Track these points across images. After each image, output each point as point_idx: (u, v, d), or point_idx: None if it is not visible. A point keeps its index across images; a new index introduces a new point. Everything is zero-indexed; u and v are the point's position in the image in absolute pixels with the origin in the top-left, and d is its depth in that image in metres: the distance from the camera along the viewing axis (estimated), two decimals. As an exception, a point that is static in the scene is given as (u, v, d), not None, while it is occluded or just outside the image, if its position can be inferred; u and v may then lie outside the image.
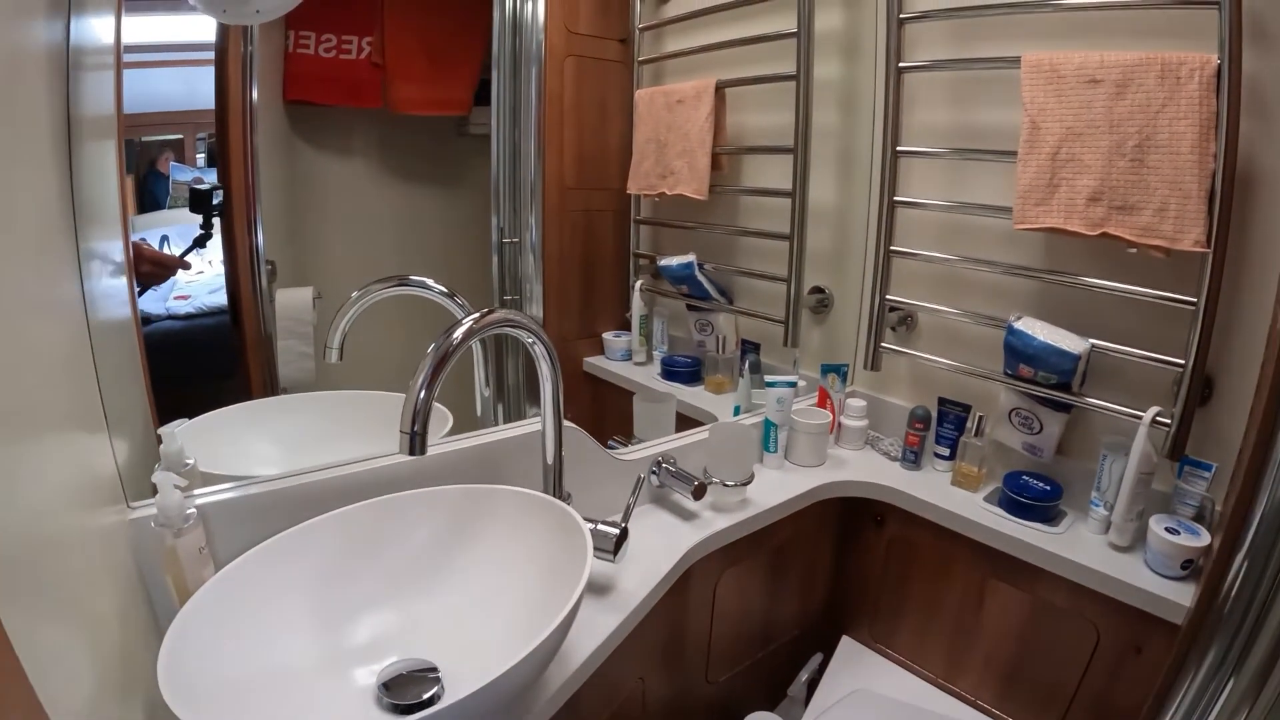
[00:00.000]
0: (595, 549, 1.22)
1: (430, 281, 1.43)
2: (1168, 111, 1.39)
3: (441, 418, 1.45)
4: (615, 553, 1.34)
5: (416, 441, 1.02)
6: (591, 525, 1.31)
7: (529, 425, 1.48)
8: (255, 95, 1.26)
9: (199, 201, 1.22)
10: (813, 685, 1.90)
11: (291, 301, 1.35)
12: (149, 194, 1.17)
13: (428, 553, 1.24)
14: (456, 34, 1.53)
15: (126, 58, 1.08)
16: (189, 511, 1.07)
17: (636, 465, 1.67)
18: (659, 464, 1.68)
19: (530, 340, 1.23)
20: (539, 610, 1.06)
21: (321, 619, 1.11)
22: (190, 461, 1.16)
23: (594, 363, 2.04)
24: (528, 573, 1.20)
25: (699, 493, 1.61)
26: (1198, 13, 1.39)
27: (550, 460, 1.37)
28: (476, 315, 1.10)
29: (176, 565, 1.03)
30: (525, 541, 1.23)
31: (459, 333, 1.06)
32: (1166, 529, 1.48)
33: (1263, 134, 1.38)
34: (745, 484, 1.69)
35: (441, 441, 1.40)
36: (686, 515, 1.66)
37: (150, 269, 1.18)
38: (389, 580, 1.20)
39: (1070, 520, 1.70)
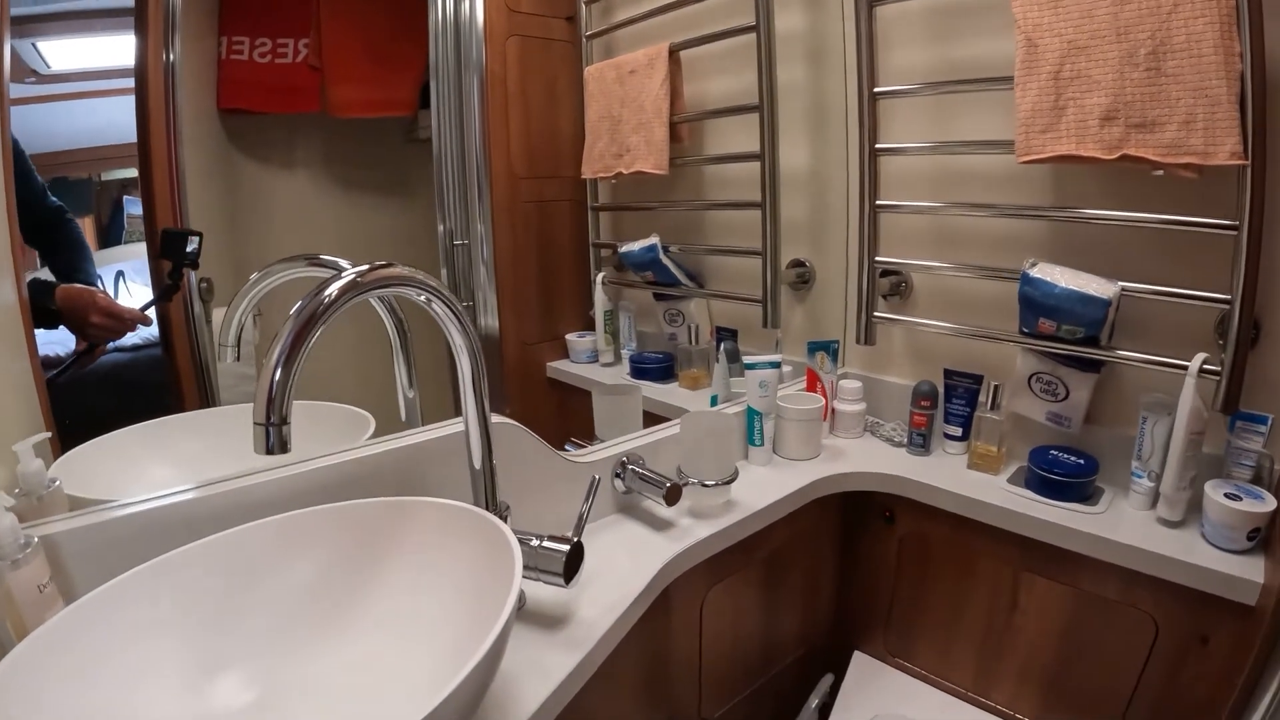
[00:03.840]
0: (542, 572, 1.15)
1: (343, 262, 1.31)
2: (1182, 10, 1.30)
3: (361, 423, 1.37)
4: (567, 575, 1.18)
5: (274, 436, 0.85)
6: (535, 541, 1.18)
7: (456, 425, 1.35)
8: (180, 107, 1.24)
9: (170, 248, 1.21)
10: (825, 711, 1.80)
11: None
12: (108, 229, 1.19)
13: (328, 585, 1.10)
14: (397, 30, 1.53)
15: (53, 89, 1.10)
16: (22, 540, 0.92)
17: (596, 468, 1.54)
18: (624, 465, 1.57)
19: (425, 299, 1.04)
20: (464, 653, 0.91)
21: (184, 673, 0.95)
22: (55, 481, 1.04)
23: (558, 367, 1.97)
24: (452, 606, 1.05)
25: (673, 496, 1.48)
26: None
27: (478, 464, 1.20)
28: (361, 269, 0.93)
29: (10, 604, 0.89)
30: (449, 566, 1.09)
31: (334, 289, 0.89)
32: (1226, 495, 1.39)
33: (1276, 33, 1.30)
34: (728, 482, 1.57)
35: (352, 448, 1.27)
36: (660, 524, 1.54)
37: (102, 321, 1.15)
38: (275, 620, 1.05)
39: (1110, 497, 1.60)
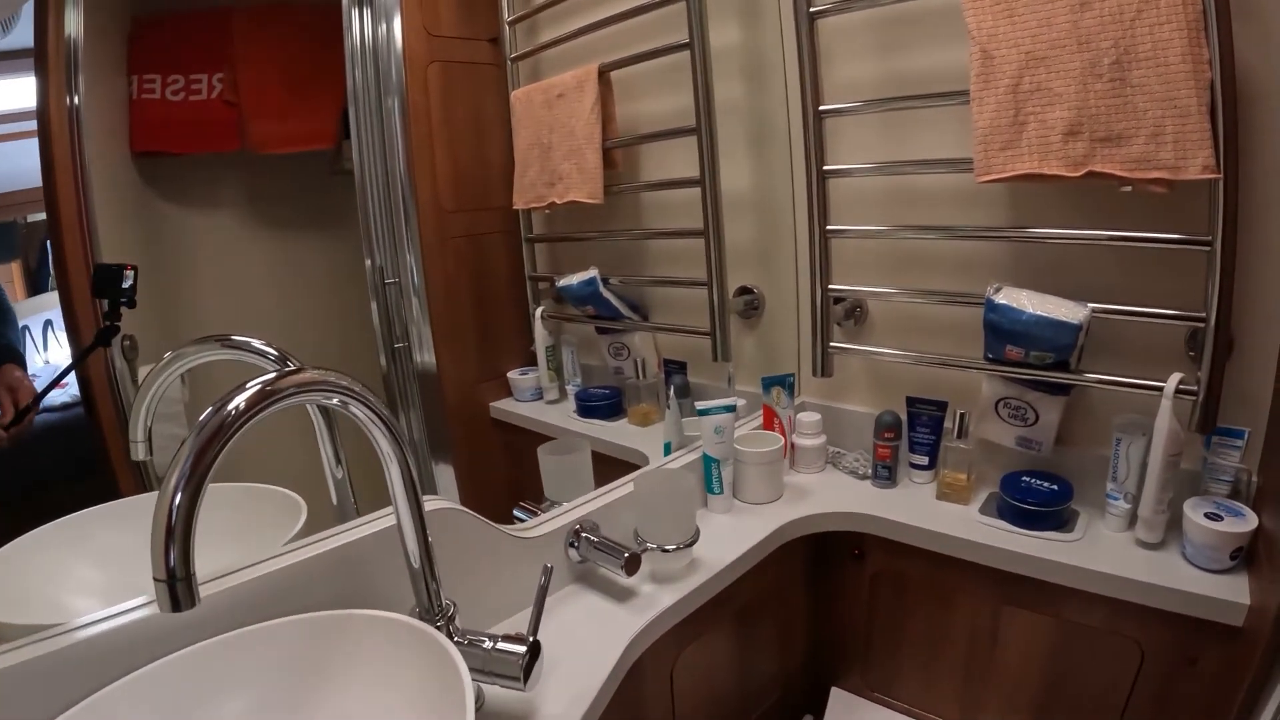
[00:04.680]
0: (498, 676, 1.07)
1: (255, 342, 1.27)
2: (1146, 17, 1.24)
3: (293, 509, 1.27)
4: (525, 679, 1.08)
5: (180, 590, 0.75)
6: (488, 643, 1.09)
7: (390, 516, 1.25)
8: (88, 152, 1.17)
9: (104, 284, 1.15)
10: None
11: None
12: (36, 274, 1.15)
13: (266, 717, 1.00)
14: (314, 59, 1.46)
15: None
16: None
17: (547, 542, 1.44)
18: (577, 534, 1.47)
19: (344, 404, 0.95)
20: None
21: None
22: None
23: (502, 407, 1.89)
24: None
25: (632, 566, 1.39)
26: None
27: (416, 564, 1.10)
28: (265, 380, 0.84)
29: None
30: (394, 688, 1.00)
31: (236, 404, 0.80)
32: (1206, 515, 1.35)
33: (1254, 38, 1.27)
34: (690, 544, 1.48)
35: (280, 554, 1.15)
36: (622, 594, 1.44)
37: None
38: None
39: (1085, 520, 1.55)
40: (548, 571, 1.23)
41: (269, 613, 1.07)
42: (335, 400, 0.93)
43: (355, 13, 1.46)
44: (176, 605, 0.75)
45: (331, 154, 1.48)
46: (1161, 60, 1.24)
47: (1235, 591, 1.29)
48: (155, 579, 0.74)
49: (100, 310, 1.17)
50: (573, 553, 1.47)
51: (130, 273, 1.17)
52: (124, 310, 1.18)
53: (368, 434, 1.00)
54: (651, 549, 1.46)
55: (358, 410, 0.96)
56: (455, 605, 1.15)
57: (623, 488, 1.61)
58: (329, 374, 0.90)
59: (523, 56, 1.87)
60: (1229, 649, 1.29)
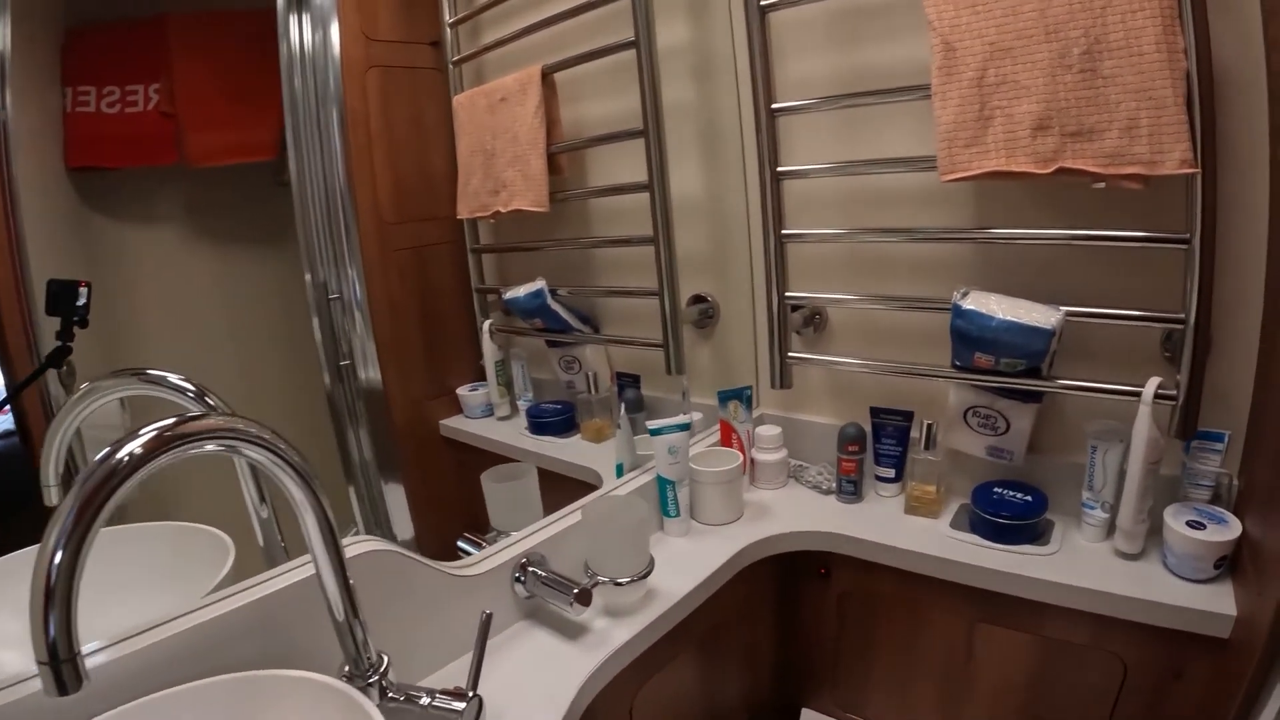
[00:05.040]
0: None
1: (172, 377, 1.20)
2: (1118, 4, 1.18)
3: (221, 550, 1.19)
4: None
5: (65, 674, 0.67)
6: (425, 700, 1.01)
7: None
8: (17, 169, 1.12)
9: (57, 302, 1.11)
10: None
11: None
12: None
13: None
14: (253, 67, 1.42)
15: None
16: None
17: (491, 579, 1.35)
18: (524, 568, 1.37)
19: (249, 451, 0.86)
20: None
21: None
22: None
23: (452, 425, 1.79)
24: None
25: (582, 602, 1.30)
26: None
27: (340, 617, 1.01)
28: (162, 426, 0.75)
29: None
30: None
31: (127, 452, 0.72)
32: (1188, 523, 1.30)
33: (1227, 29, 1.22)
34: (644, 576, 1.39)
35: (200, 607, 1.05)
36: (574, 631, 1.35)
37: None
38: None
39: (1061, 531, 1.50)
40: (486, 619, 1.16)
41: (188, 673, 0.97)
42: (241, 448, 0.85)
43: (292, 19, 1.41)
44: (62, 689, 0.67)
45: (274, 165, 1.43)
46: (1134, 50, 1.18)
47: (1221, 602, 1.25)
48: (37, 660, 0.65)
49: (32, 333, 1.11)
50: (519, 588, 1.38)
51: (84, 289, 1.13)
52: (76, 330, 1.13)
53: (278, 483, 0.92)
54: (603, 582, 1.37)
55: (261, 456, 0.87)
56: (388, 658, 1.06)
57: (571, 516, 1.52)
58: (235, 420, 0.84)
59: (465, 59, 1.78)
60: (1216, 661, 1.25)
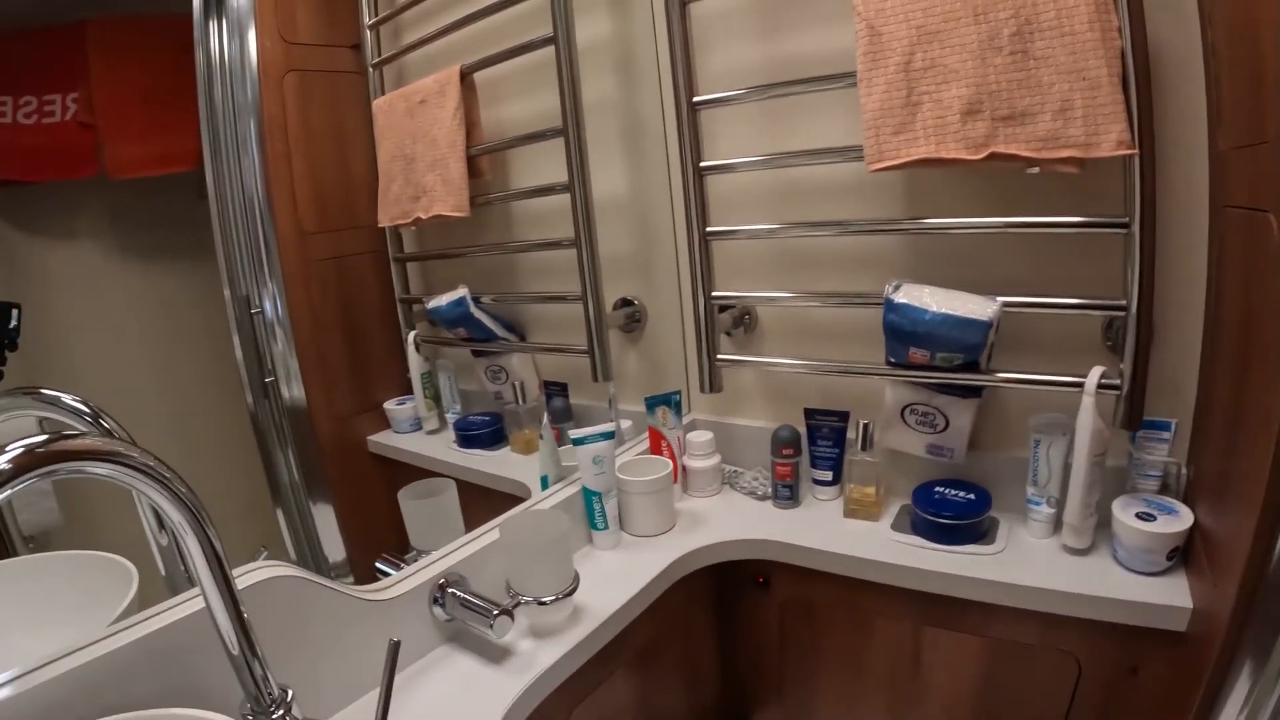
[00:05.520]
0: None
1: (67, 397, 1.15)
2: (1049, -18, 1.14)
3: (123, 578, 1.12)
4: None
5: None
6: None
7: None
8: None
9: None
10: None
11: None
12: None
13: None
14: (174, 75, 1.36)
15: None
16: None
17: (408, 602, 1.27)
18: (442, 589, 1.29)
19: (119, 475, 0.79)
20: None
21: None
22: None
23: (380, 440, 1.72)
24: None
25: (503, 624, 1.23)
26: None
27: (235, 651, 0.93)
28: (27, 445, 0.69)
29: None
30: None
31: None
32: (1138, 515, 1.27)
33: (1162, 5, 1.19)
34: (569, 594, 1.32)
35: (95, 641, 0.97)
36: (497, 654, 1.27)
37: None
38: None
39: (1007, 528, 1.45)
40: (394, 647, 1.08)
41: (84, 711, 0.91)
42: (114, 472, 0.78)
43: (211, 24, 1.36)
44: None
45: (196, 176, 1.37)
46: (1067, 29, 1.13)
47: (1175, 595, 1.22)
48: None
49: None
50: (438, 611, 1.30)
51: (16, 311, 1.10)
52: (12, 349, 1.10)
53: (159, 510, 0.84)
54: (526, 602, 1.30)
55: (135, 480, 0.80)
56: (292, 692, 0.98)
57: (491, 533, 1.45)
58: (114, 443, 0.78)
59: (385, 62, 1.70)
60: (1174, 655, 1.22)
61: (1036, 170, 1.22)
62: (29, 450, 0.68)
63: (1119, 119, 1.12)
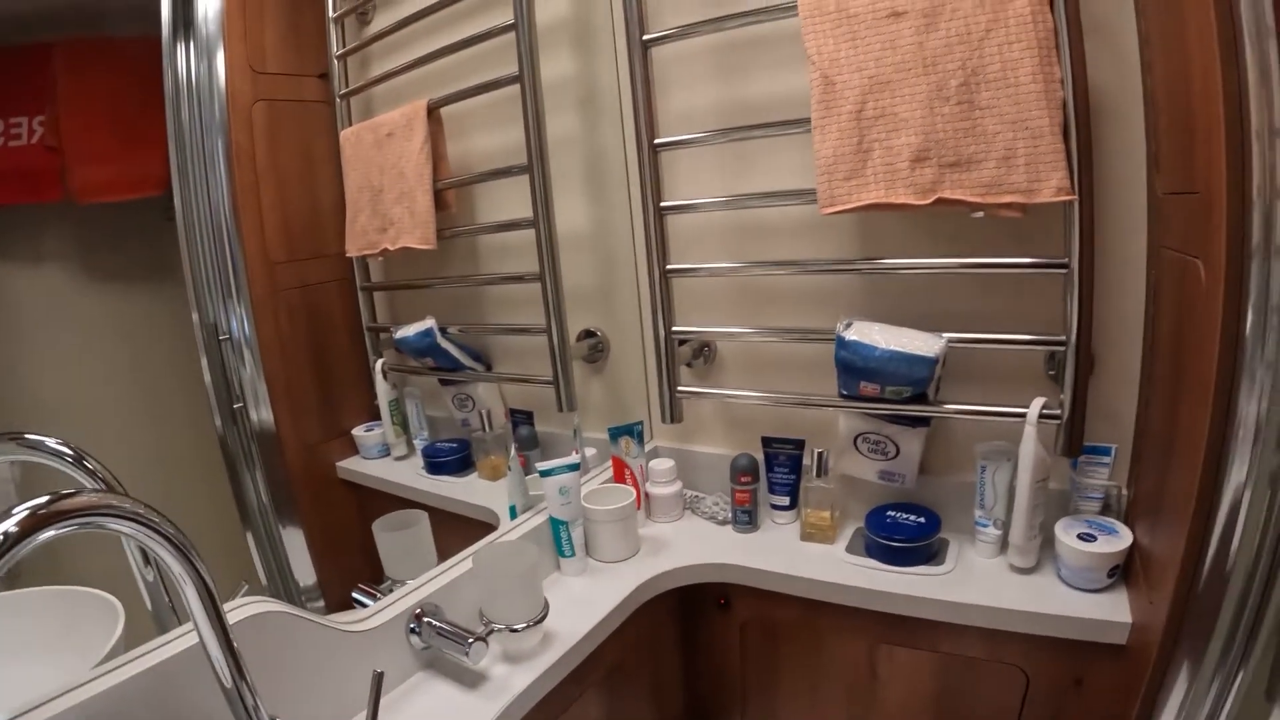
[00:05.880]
0: None
1: (52, 441, 1.09)
2: (995, 36, 1.15)
3: (110, 614, 1.08)
4: None
5: None
6: None
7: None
8: None
9: None
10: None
11: None
12: None
13: None
14: (141, 99, 1.31)
15: None
16: None
17: (385, 632, 1.25)
18: (418, 619, 1.28)
19: (123, 527, 0.79)
20: None
21: None
22: None
23: (349, 467, 1.67)
24: None
25: (478, 651, 1.22)
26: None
27: (228, 684, 0.92)
28: (31, 508, 0.69)
29: None
30: None
31: None
32: (1079, 536, 1.28)
33: (1099, 53, 1.21)
34: (539, 621, 1.31)
35: (84, 683, 0.95)
36: (472, 680, 1.26)
37: None
38: None
39: (956, 549, 1.46)
40: (378, 678, 1.09)
41: None
42: (114, 525, 0.78)
43: (179, 48, 1.31)
44: None
45: (163, 200, 1.31)
46: (1011, 81, 1.14)
47: (1116, 610, 1.23)
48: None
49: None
50: (415, 640, 1.28)
51: None
52: None
53: (155, 558, 0.86)
54: (499, 629, 1.28)
55: (136, 531, 0.80)
56: None
57: (464, 563, 1.43)
58: (109, 496, 0.77)
59: (353, 93, 1.66)
60: (1115, 667, 1.23)
61: (981, 215, 1.23)
62: (33, 514, 0.69)
63: (1059, 167, 1.13)
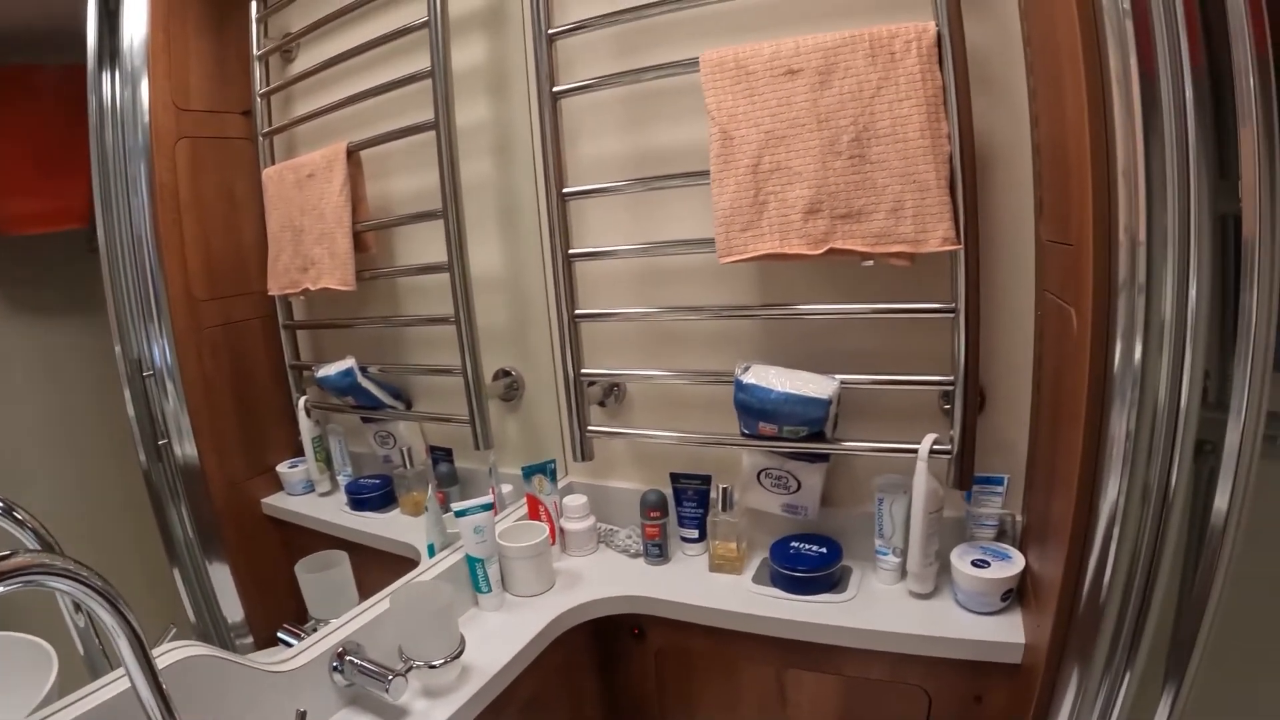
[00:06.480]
0: None
1: None
2: (885, 94, 1.13)
3: (44, 660, 1.02)
4: None
5: None
6: None
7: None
8: None
9: None
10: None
11: None
12: None
13: None
14: (64, 132, 1.23)
15: None
16: None
17: (309, 672, 1.21)
18: (341, 657, 1.23)
19: (57, 584, 0.78)
20: None
21: None
22: None
23: (274, 503, 1.59)
24: None
25: (398, 687, 1.19)
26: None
27: None
28: None
29: None
30: None
31: None
32: (973, 563, 1.27)
33: (991, 107, 1.21)
34: (456, 656, 1.27)
35: None
36: (394, 715, 1.22)
37: None
38: None
39: (859, 576, 1.43)
40: (301, 718, 1.07)
41: None
42: (48, 582, 0.78)
43: (104, 76, 1.25)
44: None
45: (88, 233, 1.25)
46: (900, 136, 1.12)
47: (1010, 632, 1.23)
48: None
49: None
50: (338, 677, 1.23)
51: None
52: None
53: (87, 610, 0.87)
54: (418, 666, 1.24)
55: (69, 587, 0.79)
56: None
57: (384, 602, 1.37)
58: (41, 556, 0.77)
59: (276, 131, 1.58)
60: (1012, 684, 1.23)
61: (871, 263, 1.21)
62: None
63: (945, 218, 1.12)
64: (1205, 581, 0.86)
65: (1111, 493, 0.92)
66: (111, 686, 0.98)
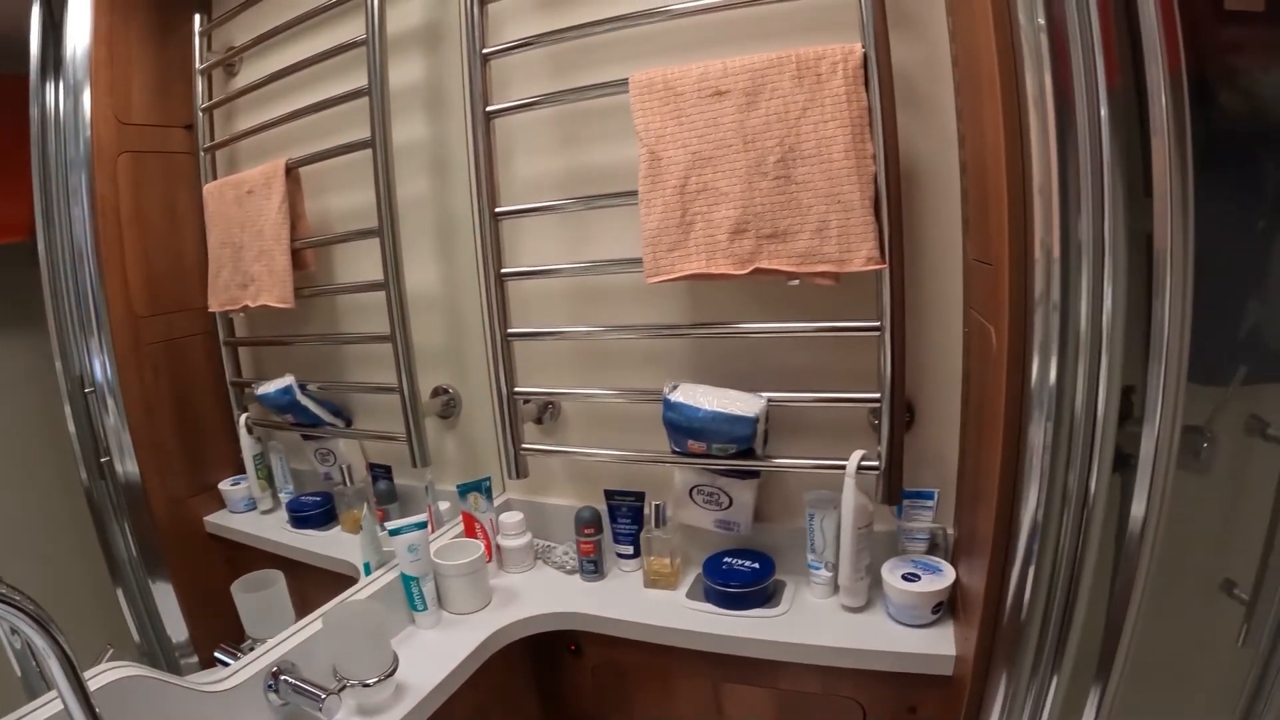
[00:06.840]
0: None
1: None
2: (811, 115, 1.10)
3: None
4: None
5: None
6: None
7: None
8: None
9: None
10: None
11: None
12: None
13: None
14: (6, 142, 1.19)
15: None
16: None
17: (244, 691, 1.15)
18: (276, 676, 1.18)
19: None
20: None
21: None
22: None
23: (217, 521, 1.53)
24: None
25: (332, 707, 1.15)
26: (833, 3, 1.17)
27: None
28: None
29: None
30: None
31: None
32: (904, 576, 1.25)
33: (918, 125, 1.20)
34: (390, 675, 1.22)
35: None
36: (329, 734, 1.16)
37: None
38: None
39: (792, 591, 1.40)
40: None
41: None
42: None
43: (46, 86, 1.21)
44: None
45: (30, 246, 1.21)
46: (825, 157, 1.10)
47: (940, 644, 1.22)
48: None
49: None
50: (273, 697, 1.19)
51: None
52: None
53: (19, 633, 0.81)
54: (352, 685, 1.20)
55: (4, 613, 0.77)
56: None
57: (314, 624, 1.32)
58: None
59: (217, 146, 1.52)
60: (943, 695, 1.21)
61: (796, 283, 1.18)
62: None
63: (869, 238, 1.09)
64: (1126, 587, 0.86)
65: (1031, 503, 0.91)
66: (47, 708, 0.95)
